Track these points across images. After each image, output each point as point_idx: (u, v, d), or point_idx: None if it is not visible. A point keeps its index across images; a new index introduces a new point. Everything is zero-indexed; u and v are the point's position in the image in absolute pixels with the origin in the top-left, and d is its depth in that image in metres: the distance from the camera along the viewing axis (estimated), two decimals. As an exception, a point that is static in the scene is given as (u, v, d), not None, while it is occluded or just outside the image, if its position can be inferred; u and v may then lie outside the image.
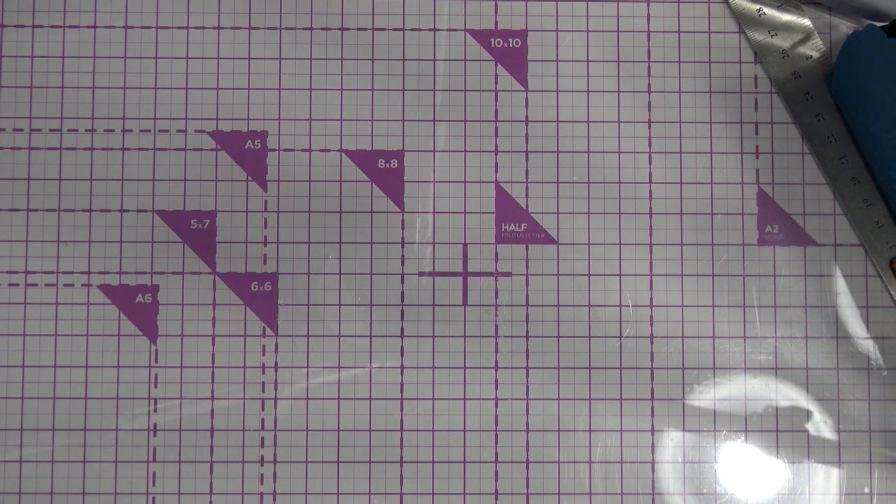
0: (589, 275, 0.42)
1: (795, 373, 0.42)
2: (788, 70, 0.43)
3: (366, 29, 0.43)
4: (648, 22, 0.43)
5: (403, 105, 0.43)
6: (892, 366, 0.42)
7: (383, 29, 0.43)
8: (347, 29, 0.43)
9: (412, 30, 0.43)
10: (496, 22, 0.43)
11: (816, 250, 0.42)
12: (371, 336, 0.42)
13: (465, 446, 0.42)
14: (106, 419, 0.41)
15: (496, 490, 0.41)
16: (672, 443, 0.42)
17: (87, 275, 0.42)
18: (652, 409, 0.42)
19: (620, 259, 0.42)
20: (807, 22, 0.43)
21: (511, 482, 0.41)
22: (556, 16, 0.43)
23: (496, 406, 0.42)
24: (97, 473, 0.41)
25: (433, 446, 0.42)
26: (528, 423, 0.42)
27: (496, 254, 0.42)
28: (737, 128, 0.43)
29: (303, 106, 0.43)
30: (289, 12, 0.43)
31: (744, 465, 0.42)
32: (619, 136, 0.43)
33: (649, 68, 0.43)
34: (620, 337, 0.42)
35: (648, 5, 0.43)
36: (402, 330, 0.42)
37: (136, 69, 0.43)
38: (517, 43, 0.43)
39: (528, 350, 0.42)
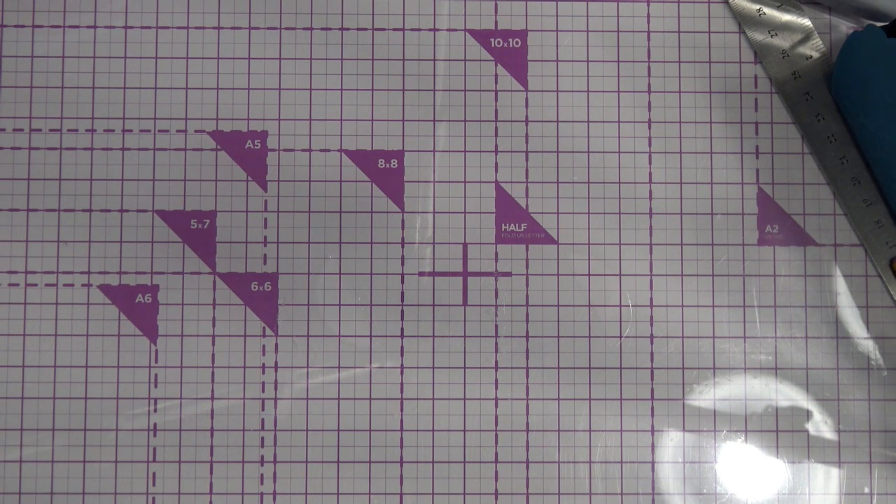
0: (589, 275, 0.42)
1: (795, 373, 0.42)
2: (788, 70, 0.43)
3: (366, 29, 0.43)
4: (648, 22, 0.43)
5: (403, 105, 0.43)
6: (892, 366, 0.42)
7: (383, 29, 0.43)
8: (347, 29, 0.43)
9: (412, 30, 0.43)
10: (496, 22, 0.43)
11: (816, 250, 0.42)
12: (371, 336, 0.42)
13: (465, 446, 0.42)
14: (106, 419, 0.41)
15: (496, 490, 0.41)
16: (672, 443, 0.42)
17: (87, 275, 0.42)
18: (652, 409, 0.42)
19: (620, 259, 0.42)
20: (807, 22, 0.43)
21: (511, 482, 0.41)
22: (556, 16, 0.43)
23: (496, 406, 0.42)
24: (97, 473, 0.41)
25: (433, 446, 0.42)
26: (528, 423, 0.42)
27: (496, 254, 0.42)
28: (737, 128, 0.43)
29: (303, 106, 0.43)
30: (289, 12, 0.43)
31: (744, 465, 0.42)
32: (619, 136, 0.43)
33: (649, 68, 0.43)
34: (620, 337, 0.42)
35: (648, 5, 0.43)
36: (402, 330, 0.42)
37: (136, 69, 0.43)
38: (517, 43, 0.43)
39: (528, 350, 0.42)
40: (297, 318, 0.42)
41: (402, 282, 0.42)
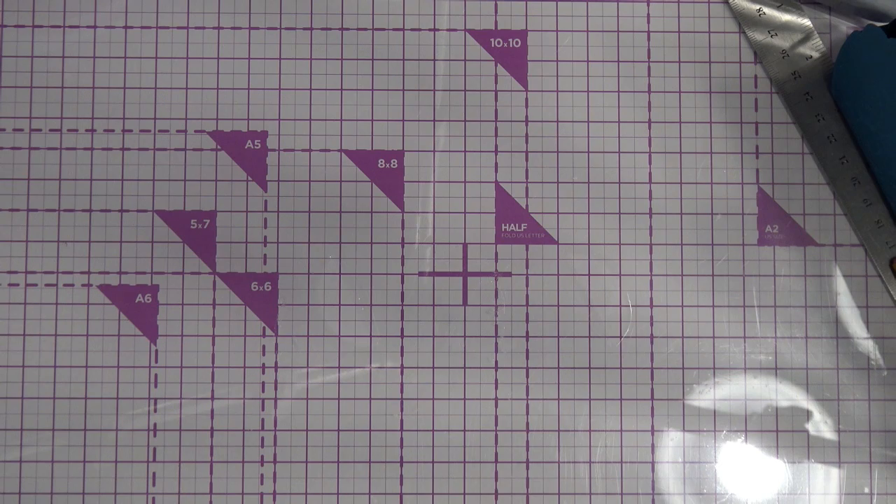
0: (589, 275, 0.42)
1: (795, 373, 0.42)
2: (788, 70, 0.43)
3: (366, 29, 0.43)
4: (648, 22, 0.43)
5: (403, 105, 0.43)
6: (892, 366, 0.42)
7: (383, 29, 0.43)
8: (347, 29, 0.43)
9: (412, 30, 0.43)
10: (496, 22, 0.43)
11: (816, 250, 0.42)
12: (371, 336, 0.42)
13: (465, 446, 0.42)
14: (106, 419, 0.41)
15: (496, 490, 0.41)
16: (672, 443, 0.42)
17: (87, 275, 0.42)
18: (652, 409, 0.42)
19: (620, 259, 0.42)
20: (807, 22, 0.43)
21: (511, 482, 0.41)
22: (556, 16, 0.43)
23: (496, 406, 0.42)
24: (97, 473, 0.41)
25: (433, 446, 0.42)
26: (528, 423, 0.42)
27: (496, 254, 0.42)
28: (737, 128, 0.43)
29: (303, 106, 0.43)
30: (289, 12, 0.43)
31: (744, 465, 0.42)
32: (619, 136, 0.43)
33: (649, 68, 0.43)
34: (620, 337, 0.42)
35: (648, 5, 0.43)
36: (402, 330, 0.42)
37: (136, 69, 0.43)
38: (517, 43, 0.43)
39: (528, 350, 0.42)
40: (297, 318, 0.42)
41: (402, 282, 0.42)
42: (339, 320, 0.42)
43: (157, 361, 0.42)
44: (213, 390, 0.42)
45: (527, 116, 0.43)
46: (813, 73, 0.43)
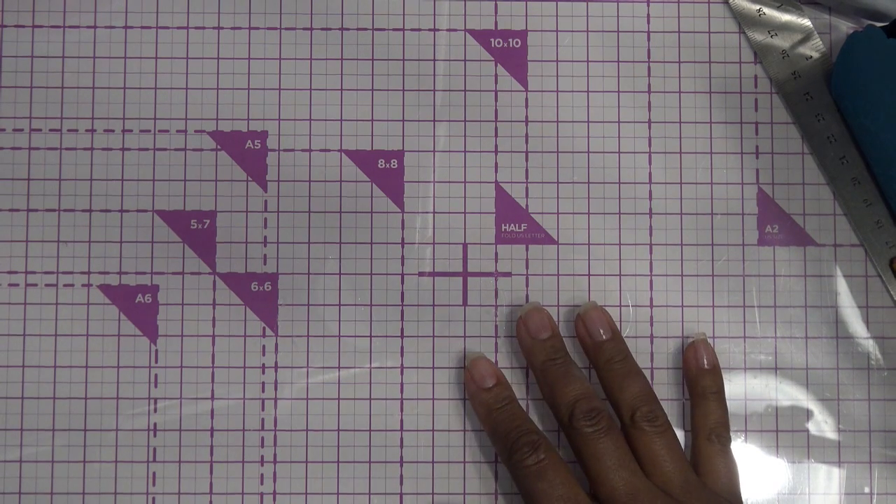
0: (589, 275, 0.42)
1: (795, 373, 0.42)
2: (788, 70, 0.43)
3: (366, 29, 0.43)
4: (648, 22, 0.43)
5: (403, 105, 0.43)
6: (892, 366, 0.42)
7: (383, 29, 0.43)
8: (347, 29, 0.43)
9: (412, 30, 0.43)
10: (496, 22, 0.43)
11: (816, 250, 0.42)
12: (371, 336, 0.42)
13: (464, 446, 0.42)
14: (106, 419, 0.41)
15: (496, 490, 0.41)
16: (672, 443, 0.42)
17: (87, 275, 0.42)
18: (652, 409, 0.42)
19: (620, 259, 0.42)
20: (807, 22, 0.43)
21: (511, 482, 0.41)
22: (556, 16, 0.43)
23: (496, 406, 0.42)
24: (97, 473, 0.41)
25: (433, 446, 0.42)
26: (528, 423, 0.42)
27: (496, 254, 0.42)
28: (737, 128, 0.43)
29: (303, 106, 0.43)
30: (289, 12, 0.43)
31: (744, 465, 0.42)
32: (619, 136, 0.43)
33: (649, 68, 0.43)
34: (620, 337, 0.42)
35: (648, 5, 0.43)
36: (402, 330, 0.42)
37: (136, 69, 0.43)
38: (517, 43, 0.43)
39: (528, 350, 0.42)
40: (297, 318, 0.42)
41: (402, 282, 0.42)
42: (339, 320, 0.42)
43: (157, 361, 0.42)
44: (213, 390, 0.42)
45: (527, 116, 0.43)
46: (813, 73, 0.43)
